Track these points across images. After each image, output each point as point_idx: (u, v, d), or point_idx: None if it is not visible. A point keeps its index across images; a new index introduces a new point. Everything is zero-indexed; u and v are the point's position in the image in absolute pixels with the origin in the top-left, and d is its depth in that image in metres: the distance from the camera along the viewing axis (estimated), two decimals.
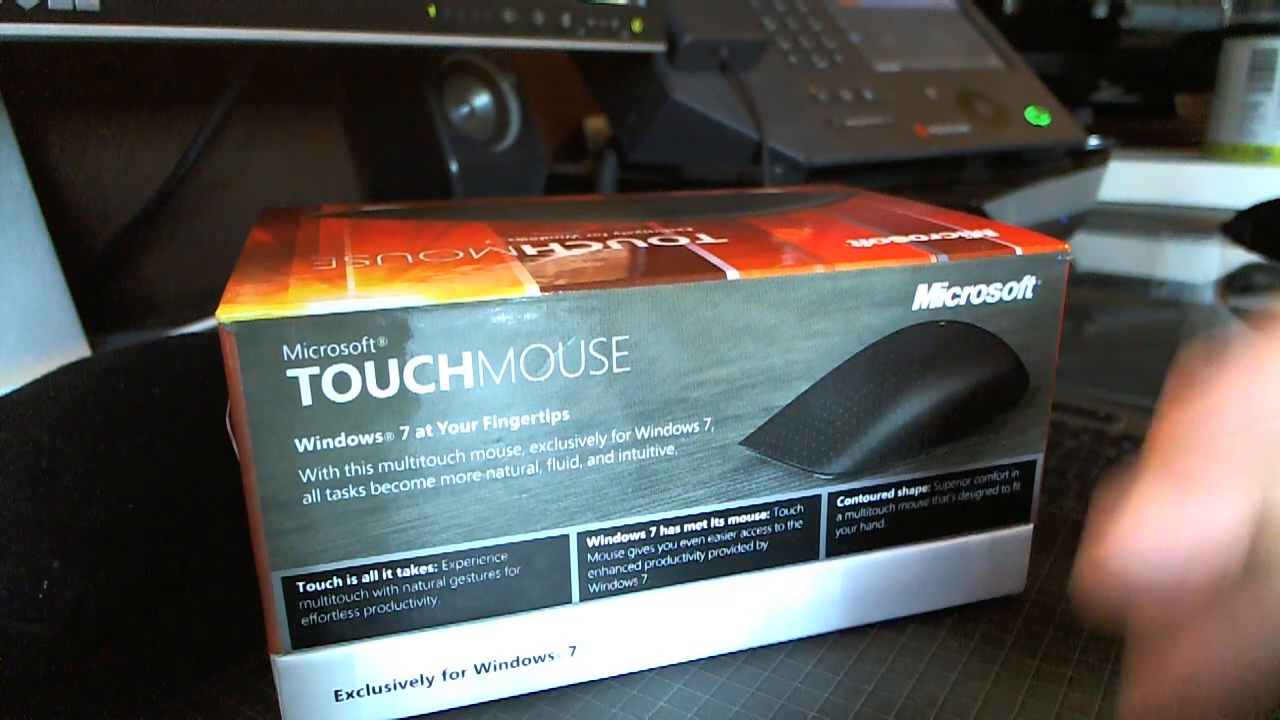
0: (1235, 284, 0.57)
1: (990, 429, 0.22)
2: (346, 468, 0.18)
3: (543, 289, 0.18)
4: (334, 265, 0.19)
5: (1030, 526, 0.24)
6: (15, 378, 0.33)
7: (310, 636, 0.19)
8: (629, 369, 0.19)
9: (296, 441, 0.17)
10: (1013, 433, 0.22)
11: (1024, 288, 0.21)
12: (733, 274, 0.19)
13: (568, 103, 0.73)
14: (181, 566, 0.23)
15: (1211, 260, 0.63)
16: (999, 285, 0.21)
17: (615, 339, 0.19)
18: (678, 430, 0.20)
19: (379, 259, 0.20)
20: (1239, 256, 0.64)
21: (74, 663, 0.21)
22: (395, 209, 0.26)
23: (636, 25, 0.47)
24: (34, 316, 0.34)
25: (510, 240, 0.22)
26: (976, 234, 0.22)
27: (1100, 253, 0.66)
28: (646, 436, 0.19)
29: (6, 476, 0.20)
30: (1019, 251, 0.21)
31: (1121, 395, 0.39)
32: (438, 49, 0.46)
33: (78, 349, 0.36)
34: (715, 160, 0.56)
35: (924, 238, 0.22)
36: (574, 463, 0.19)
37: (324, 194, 0.58)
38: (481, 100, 0.55)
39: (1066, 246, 0.21)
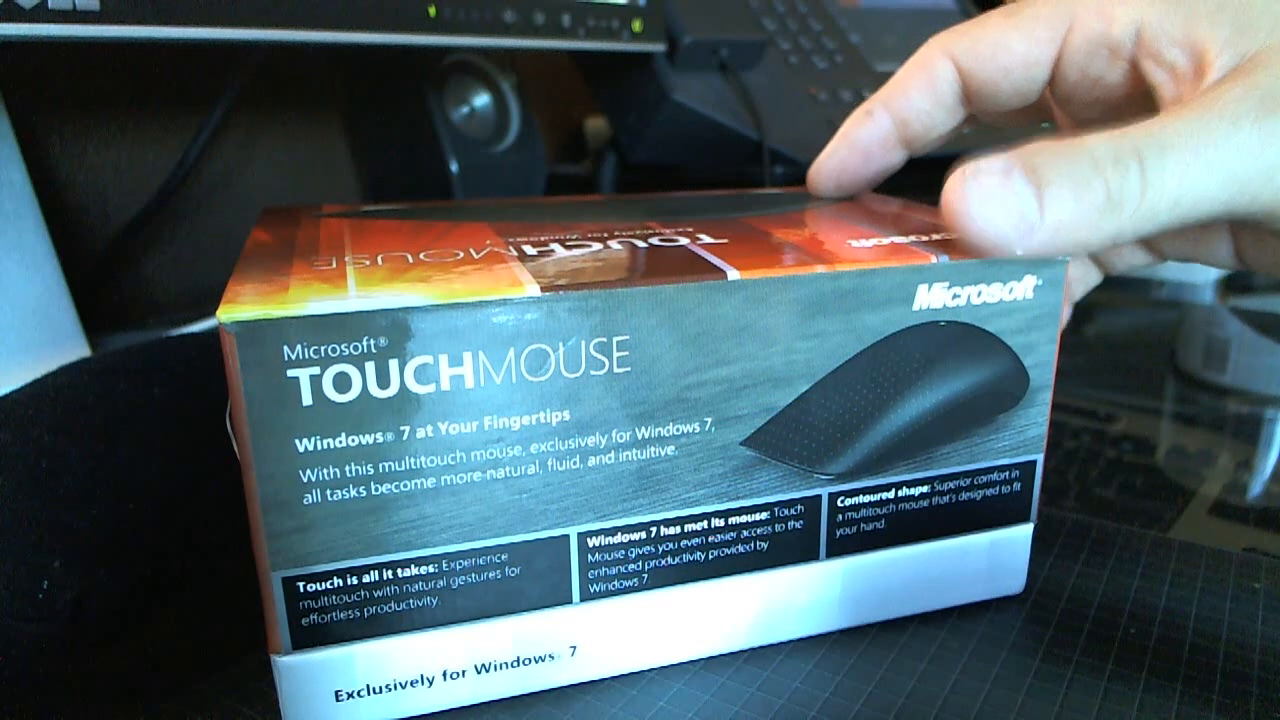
0: (1235, 284, 0.57)
1: (990, 429, 0.22)
2: (347, 468, 0.18)
3: (543, 289, 0.18)
4: (334, 265, 0.19)
5: (1030, 526, 0.24)
6: (15, 378, 0.33)
7: (310, 636, 0.19)
8: (629, 369, 0.19)
9: (297, 441, 0.17)
10: (1013, 433, 0.22)
11: (1024, 288, 0.21)
12: (733, 274, 0.19)
13: (568, 103, 0.73)
14: (181, 566, 0.23)
15: None
16: (999, 285, 0.21)
17: (616, 339, 0.19)
18: (678, 430, 0.20)
19: (379, 259, 0.20)
20: None
21: (74, 663, 0.21)
22: (395, 209, 0.26)
23: (636, 25, 0.47)
24: (34, 316, 0.34)
25: (510, 240, 0.22)
26: None
27: None
28: (647, 436, 0.19)
29: (6, 476, 0.20)
30: (1021, 253, 0.21)
31: (1121, 395, 0.39)
32: (438, 49, 0.46)
33: (78, 349, 0.36)
34: (715, 160, 0.56)
35: (924, 238, 0.22)
36: (574, 463, 0.19)
37: (324, 194, 0.58)
38: (481, 100, 0.55)
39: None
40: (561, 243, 0.21)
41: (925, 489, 0.22)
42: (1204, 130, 0.19)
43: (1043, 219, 0.19)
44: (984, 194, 0.19)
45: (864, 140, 0.27)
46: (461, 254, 0.20)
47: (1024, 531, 0.24)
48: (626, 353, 0.19)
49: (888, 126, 0.27)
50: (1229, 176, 0.19)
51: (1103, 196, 0.19)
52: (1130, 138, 0.20)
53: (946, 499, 0.23)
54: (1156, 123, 0.20)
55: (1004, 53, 0.24)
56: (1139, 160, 0.19)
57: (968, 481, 0.23)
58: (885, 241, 0.22)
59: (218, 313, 0.16)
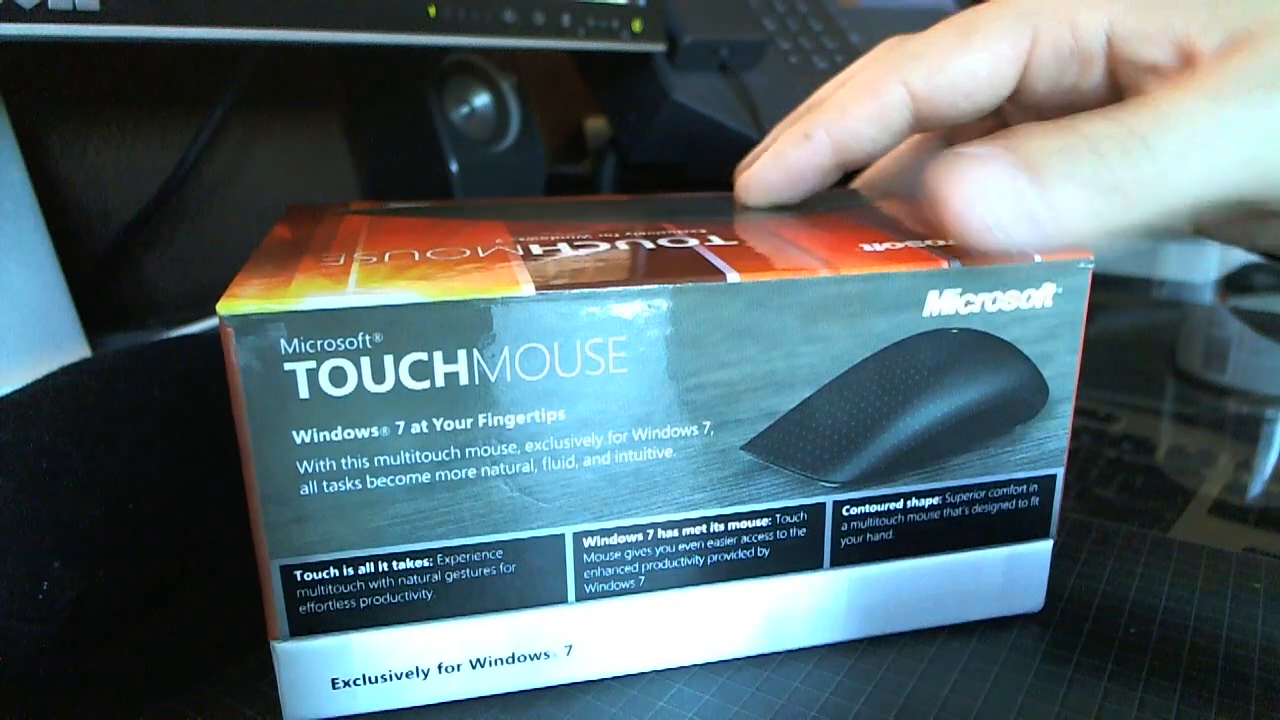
0: (1235, 284, 0.57)
1: (1007, 442, 0.22)
2: (343, 461, 0.18)
3: (539, 288, 0.18)
4: (341, 262, 0.19)
5: (1050, 543, 0.23)
6: (15, 378, 0.33)
7: (308, 624, 0.19)
8: (626, 370, 0.19)
9: (294, 434, 0.17)
10: (1031, 445, 0.22)
11: (1044, 296, 0.21)
12: (733, 276, 0.19)
13: (568, 103, 0.73)
14: (181, 566, 0.23)
15: (1211, 260, 0.63)
16: (1016, 293, 0.21)
17: (612, 340, 0.19)
18: (676, 433, 0.20)
19: (386, 256, 0.20)
20: (1239, 256, 0.64)
21: (74, 663, 0.21)
22: (419, 207, 0.26)
23: (636, 25, 0.47)
24: (34, 317, 0.34)
25: (520, 239, 0.22)
26: None
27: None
28: (644, 438, 0.19)
29: (6, 476, 0.20)
30: (1038, 259, 0.20)
31: (1121, 395, 0.39)
32: (438, 49, 0.46)
33: (78, 349, 0.36)
34: (715, 160, 0.56)
35: (938, 242, 0.21)
36: (569, 463, 0.19)
37: (324, 194, 0.58)
38: (481, 100, 0.55)
39: (1089, 254, 0.21)
40: (570, 242, 0.21)
41: (936, 500, 0.22)
42: (1212, 106, 0.17)
43: (1047, 213, 0.18)
44: (979, 188, 0.18)
45: (800, 164, 0.25)
46: (468, 252, 0.20)
47: (1043, 547, 0.23)
48: (623, 354, 0.19)
49: (826, 152, 0.25)
50: (1247, 155, 0.17)
51: (1110, 183, 0.17)
52: (1131, 118, 0.18)
53: (959, 511, 0.22)
54: (1153, 102, 0.18)
55: (966, 79, 0.22)
56: (1144, 142, 0.17)
57: (982, 494, 0.22)
58: (899, 246, 0.21)
59: (218, 305, 0.17)
